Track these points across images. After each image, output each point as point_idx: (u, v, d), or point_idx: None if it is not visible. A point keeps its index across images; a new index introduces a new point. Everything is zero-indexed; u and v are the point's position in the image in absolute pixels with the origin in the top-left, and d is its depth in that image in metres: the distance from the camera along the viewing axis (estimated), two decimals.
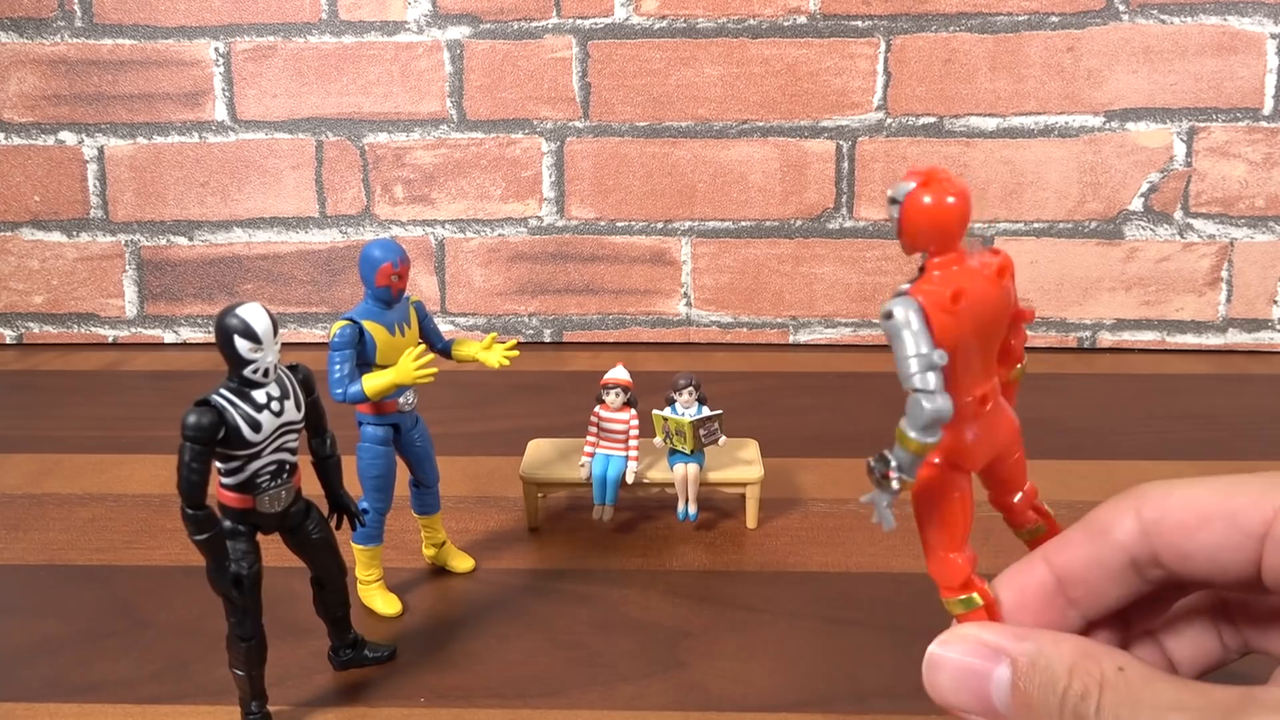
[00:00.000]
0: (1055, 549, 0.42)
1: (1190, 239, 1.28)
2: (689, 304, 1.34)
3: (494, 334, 0.72)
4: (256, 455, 0.52)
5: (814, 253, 1.32)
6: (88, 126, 1.33)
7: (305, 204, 1.34)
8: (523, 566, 0.75)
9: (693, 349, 1.33)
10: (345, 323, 0.64)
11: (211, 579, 0.53)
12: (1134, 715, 0.34)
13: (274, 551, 0.58)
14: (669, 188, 1.31)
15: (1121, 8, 1.23)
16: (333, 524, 0.60)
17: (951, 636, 0.40)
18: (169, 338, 1.39)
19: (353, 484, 0.64)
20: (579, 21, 1.28)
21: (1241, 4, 1.22)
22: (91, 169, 1.34)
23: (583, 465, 0.79)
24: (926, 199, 0.40)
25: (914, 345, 0.39)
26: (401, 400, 0.68)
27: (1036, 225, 1.29)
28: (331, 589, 0.60)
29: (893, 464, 0.40)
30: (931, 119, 1.27)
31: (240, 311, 0.51)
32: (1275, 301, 1.29)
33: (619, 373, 0.79)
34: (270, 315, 0.52)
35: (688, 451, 0.78)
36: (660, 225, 1.32)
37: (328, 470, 0.60)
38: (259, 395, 0.52)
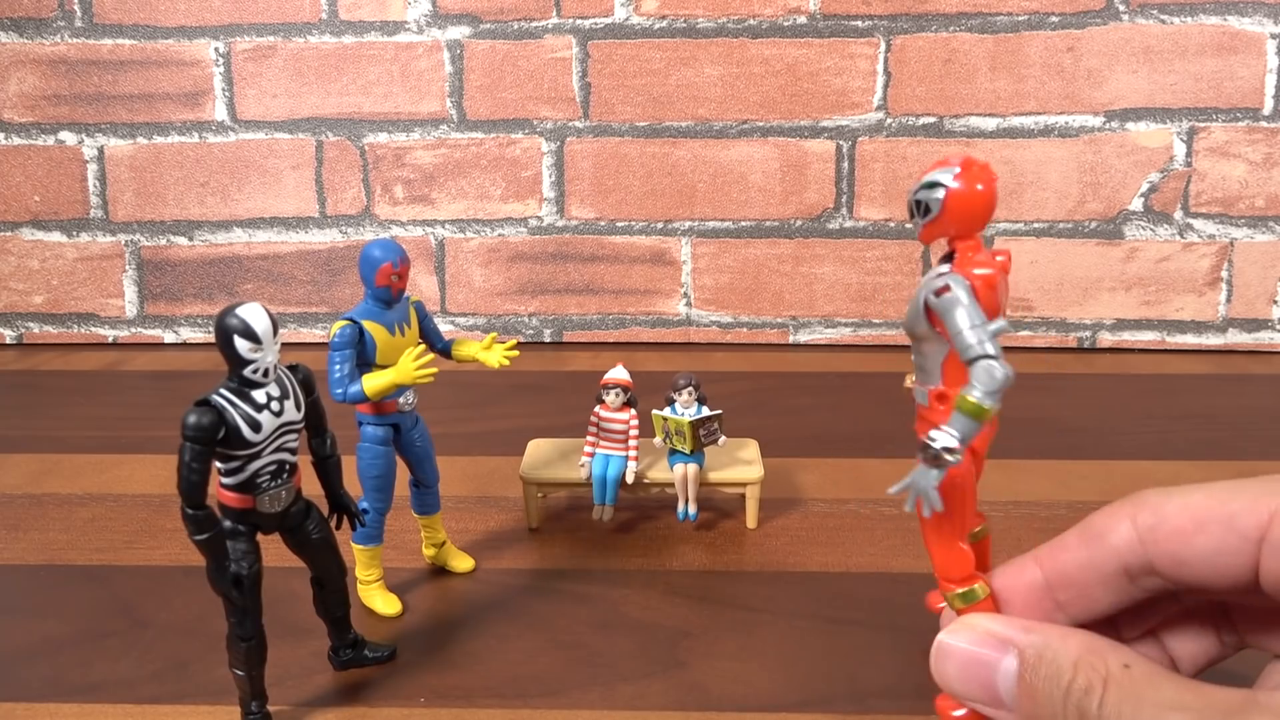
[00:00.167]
0: (1049, 551, 0.42)
1: (1190, 239, 1.28)
2: (689, 304, 1.34)
3: (494, 334, 0.72)
4: (256, 455, 0.52)
5: (814, 253, 1.32)
6: (88, 126, 1.33)
7: (305, 204, 1.34)
8: (523, 566, 0.75)
9: (693, 349, 1.33)
10: (345, 323, 0.64)
11: (211, 579, 0.53)
12: (1136, 713, 0.34)
13: (274, 551, 0.58)
14: (669, 188, 1.31)
15: (1121, 8, 1.23)
16: (333, 524, 0.60)
17: (960, 625, 0.41)
18: (169, 338, 1.39)
19: (353, 484, 0.64)
20: (579, 21, 1.28)
21: (1241, 4, 1.22)
22: (91, 169, 1.34)
23: (583, 465, 0.79)
24: (978, 185, 0.43)
25: (972, 316, 0.41)
26: (401, 400, 0.68)
27: (1036, 225, 1.29)
28: (331, 589, 0.60)
29: (957, 437, 0.40)
30: (931, 119, 1.27)
31: (240, 311, 0.51)
32: (1275, 301, 1.29)
33: (619, 373, 0.79)
34: (270, 315, 0.52)
35: (688, 451, 0.78)
36: (660, 225, 1.32)
37: (328, 470, 0.60)
38: (259, 395, 0.52)
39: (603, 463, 0.78)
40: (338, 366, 0.63)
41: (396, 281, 0.65)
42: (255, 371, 0.52)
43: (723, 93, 1.28)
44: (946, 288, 0.42)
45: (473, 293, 1.36)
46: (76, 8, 1.30)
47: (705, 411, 0.77)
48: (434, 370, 0.63)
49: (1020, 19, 1.24)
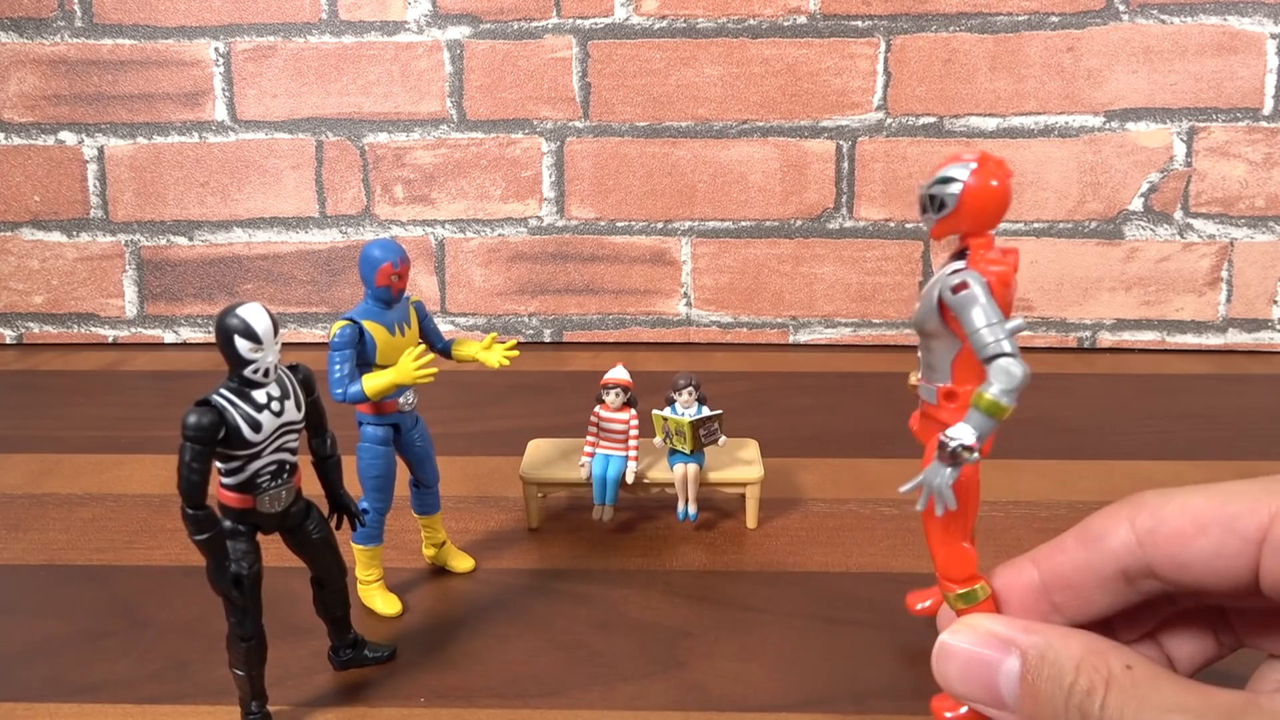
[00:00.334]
0: (1046, 553, 0.42)
1: (1190, 239, 1.28)
2: (689, 304, 1.34)
3: (494, 334, 0.72)
4: (257, 455, 0.52)
5: (814, 253, 1.32)
6: (88, 126, 1.33)
7: (305, 204, 1.34)
8: (523, 566, 0.75)
9: (693, 349, 1.33)
10: (345, 323, 0.64)
11: (211, 579, 0.53)
12: (1138, 714, 0.34)
13: (274, 551, 0.58)
14: (669, 188, 1.31)
15: (1121, 8, 1.23)
16: (333, 524, 0.60)
17: (962, 626, 0.41)
18: (169, 338, 1.39)
19: (353, 484, 0.64)
20: (579, 21, 1.28)
21: (1241, 4, 1.22)
22: (91, 169, 1.34)
23: (583, 465, 0.79)
24: (993, 181, 0.43)
25: (989, 314, 0.41)
26: (401, 400, 0.68)
27: (1036, 225, 1.29)
28: (331, 589, 0.60)
29: (975, 435, 0.40)
30: (931, 119, 1.27)
31: (240, 311, 0.51)
32: (1275, 301, 1.29)
33: (619, 373, 0.79)
34: (270, 315, 0.52)
35: (688, 451, 0.78)
36: (660, 225, 1.32)
37: (328, 470, 0.59)
38: (259, 395, 0.52)
39: (603, 463, 0.78)
40: (338, 366, 0.63)
41: (396, 281, 0.65)
42: (255, 371, 0.52)
43: (723, 93, 1.28)
44: (964, 284, 0.41)
45: (473, 293, 1.36)
46: (76, 8, 1.30)
47: (705, 411, 0.77)
48: (434, 370, 0.63)
49: (1020, 19, 1.24)
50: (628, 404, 0.79)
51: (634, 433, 0.79)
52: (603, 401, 0.79)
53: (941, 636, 0.41)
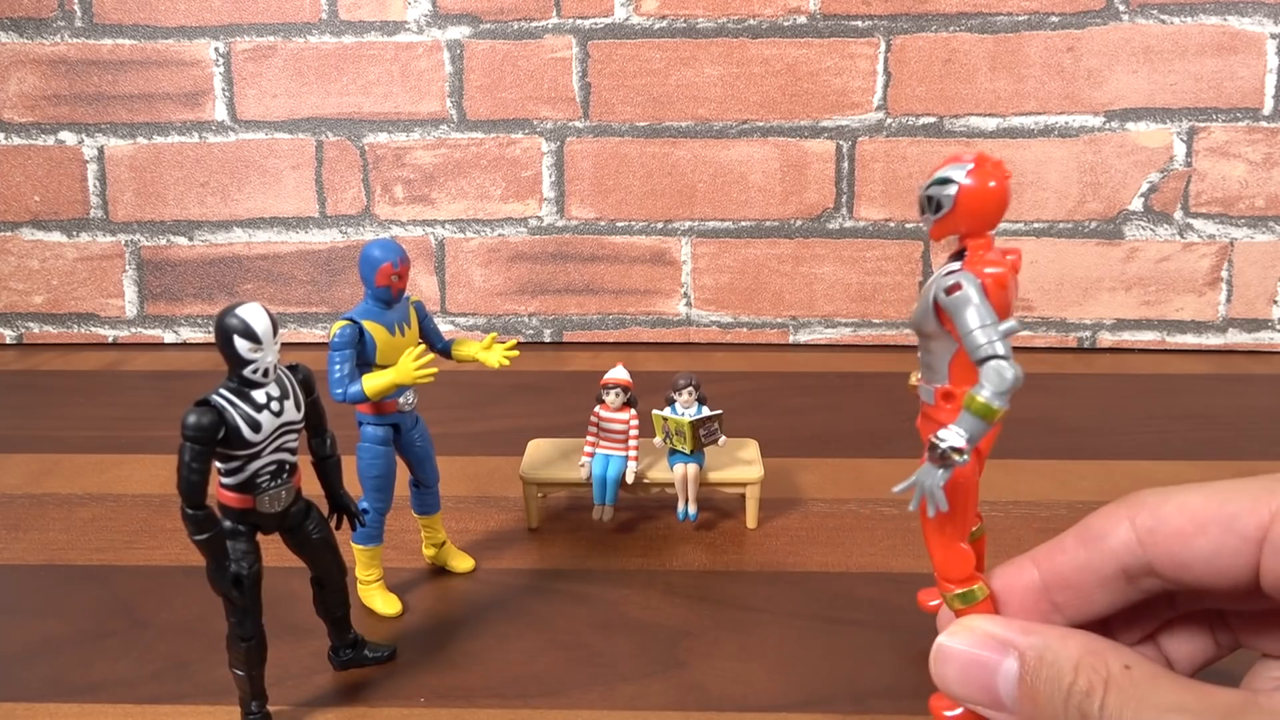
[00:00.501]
0: (1046, 552, 0.42)
1: (1190, 239, 1.28)
2: (689, 304, 1.34)
3: (494, 334, 0.72)
4: (256, 455, 0.52)
5: (814, 253, 1.32)
6: (88, 126, 1.33)
7: (305, 204, 1.34)
8: (523, 566, 0.75)
9: (693, 349, 1.33)
10: (345, 323, 0.64)
11: (211, 579, 0.53)
12: (1137, 714, 0.34)
13: (274, 551, 0.58)
14: (669, 188, 1.31)
15: (1121, 8, 1.23)
16: (333, 524, 0.60)
17: (960, 628, 0.40)
18: (169, 338, 1.39)
19: (353, 484, 0.64)
20: (579, 21, 1.28)
21: (1241, 4, 1.22)
22: (91, 169, 1.34)
23: (583, 465, 0.79)
24: (990, 182, 0.42)
25: (983, 316, 0.41)
26: (401, 400, 0.68)
27: (1036, 225, 1.29)
28: (331, 589, 0.60)
29: (965, 437, 0.40)
30: (931, 119, 1.27)
31: (240, 311, 0.51)
32: (1275, 301, 1.29)
33: (619, 373, 0.79)
34: (270, 315, 0.52)
35: (688, 451, 0.78)
36: (660, 225, 1.32)
37: (328, 470, 0.59)
38: (259, 395, 0.52)
39: (603, 463, 0.78)
40: (338, 366, 0.63)
41: (396, 281, 0.65)
42: (255, 371, 0.52)
43: (723, 93, 1.28)
44: (958, 285, 0.41)
45: (473, 293, 1.36)
46: (76, 8, 1.30)
47: (705, 411, 0.77)
48: (434, 370, 0.63)
49: (1020, 19, 1.24)
50: (628, 404, 0.79)
51: (634, 433, 0.79)
52: (603, 401, 0.79)
53: (939, 639, 0.41)
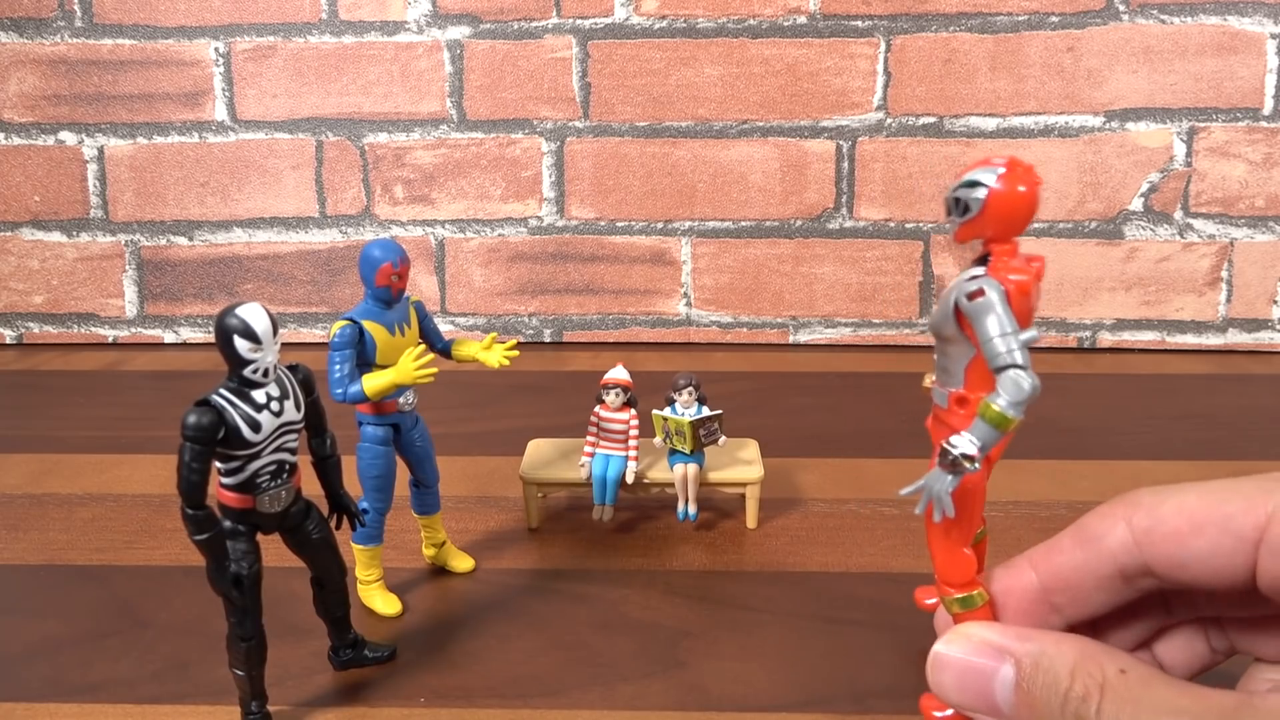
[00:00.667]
0: (1043, 553, 0.42)
1: (1190, 239, 1.28)
2: (689, 304, 1.34)
3: (494, 334, 0.72)
4: (256, 455, 0.52)
5: (814, 253, 1.32)
6: (88, 126, 1.33)
7: (305, 204, 1.34)
8: (523, 566, 0.75)
9: (693, 349, 1.33)
10: (345, 323, 0.64)
11: (211, 579, 0.53)
12: (1134, 718, 0.34)
13: (274, 551, 0.58)
14: (669, 188, 1.31)
15: (1121, 8, 1.23)
16: (333, 524, 0.60)
17: (956, 635, 0.40)
18: (169, 338, 1.39)
19: (353, 484, 0.64)
20: (579, 21, 1.28)
21: (1241, 4, 1.22)
22: (91, 169, 1.34)
23: (583, 465, 0.79)
24: (1021, 187, 0.42)
25: (1003, 324, 0.40)
26: (401, 400, 0.68)
27: (1036, 225, 1.29)
28: (331, 589, 0.60)
29: (977, 445, 0.40)
30: (931, 119, 1.27)
31: (240, 311, 0.51)
32: (1275, 301, 1.29)
33: (619, 373, 0.79)
34: (270, 315, 0.52)
35: (688, 451, 0.78)
36: (660, 225, 1.32)
37: (328, 470, 0.60)
38: (259, 395, 0.52)
39: (603, 463, 0.78)
40: (338, 366, 0.63)
41: (396, 281, 0.65)
42: (255, 371, 0.52)
43: (723, 93, 1.28)
44: (980, 291, 0.41)
45: (473, 293, 1.36)
46: (76, 8, 1.30)
47: (705, 411, 0.77)
48: (434, 370, 0.63)
49: (1020, 19, 1.24)
50: (628, 404, 0.79)
51: (634, 433, 0.79)
52: (603, 401, 0.79)
53: (935, 646, 0.41)
